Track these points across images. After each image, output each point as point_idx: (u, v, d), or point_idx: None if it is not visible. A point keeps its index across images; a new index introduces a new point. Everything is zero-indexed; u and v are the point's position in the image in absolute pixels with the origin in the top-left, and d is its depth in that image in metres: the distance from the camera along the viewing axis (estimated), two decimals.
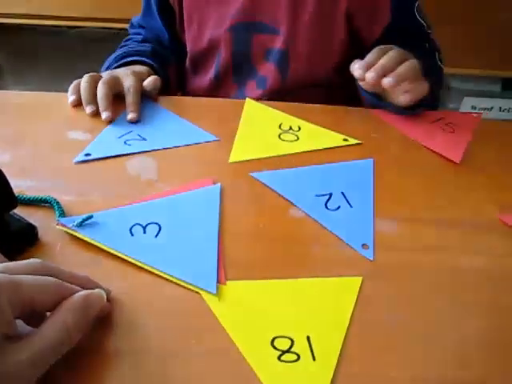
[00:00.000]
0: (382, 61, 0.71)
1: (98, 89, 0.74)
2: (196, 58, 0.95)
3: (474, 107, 2.14)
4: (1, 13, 2.03)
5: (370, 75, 0.70)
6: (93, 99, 0.74)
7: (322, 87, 0.91)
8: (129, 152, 0.67)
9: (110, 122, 0.72)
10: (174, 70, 0.96)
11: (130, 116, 0.73)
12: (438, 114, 0.79)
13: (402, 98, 0.74)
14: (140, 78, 0.78)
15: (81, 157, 0.65)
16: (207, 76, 0.95)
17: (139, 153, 0.67)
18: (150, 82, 0.78)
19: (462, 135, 0.74)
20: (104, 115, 0.72)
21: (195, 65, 0.97)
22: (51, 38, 2.49)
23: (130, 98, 0.74)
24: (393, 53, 0.72)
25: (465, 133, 0.75)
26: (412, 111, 0.77)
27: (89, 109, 0.73)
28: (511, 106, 2.16)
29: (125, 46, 0.96)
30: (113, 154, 0.66)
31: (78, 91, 0.75)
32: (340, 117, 0.77)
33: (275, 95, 0.89)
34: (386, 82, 0.69)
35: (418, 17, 0.91)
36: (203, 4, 0.89)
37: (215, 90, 0.95)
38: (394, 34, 0.87)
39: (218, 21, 0.89)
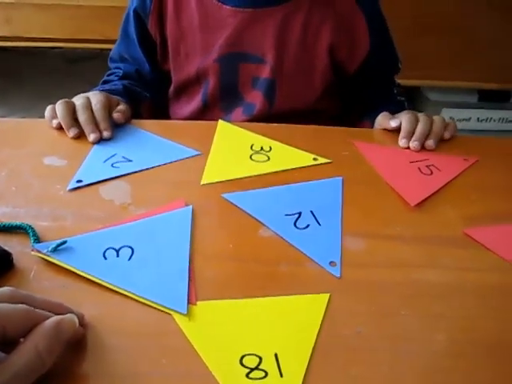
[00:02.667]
0: (420, 129, 0.80)
1: (80, 113, 0.75)
2: (182, 86, 0.97)
3: (452, 118, 2.17)
4: None
5: (414, 144, 0.79)
6: (74, 122, 0.75)
7: (308, 114, 0.94)
8: (118, 174, 0.69)
9: (94, 143, 0.74)
10: (147, 106, 0.97)
11: (105, 134, 0.75)
12: (424, 154, 0.78)
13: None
14: (107, 97, 0.80)
15: (73, 184, 0.66)
16: (193, 103, 0.97)
17: (128, 174, 0.69)
18: (119, 116, 0.79)
19: (438, 180, 0.72)
20: (92, 137, 0.74)
21: (180, 92, 0.99)
22: (33, 58, 2.51)
23: (98, 115, 0.76)
24: (423, 118, 0.82)
25: (443, 177, 0.73)
26: None
27: (72, 131, 0.75)
28: (488, 116, 2.20)
29: (107, 81, 0.98)
30: (103, 178, 0.68)
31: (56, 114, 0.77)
32: (310, 136, 0.79)
33: (261, 122, 0.91)
34: (431, 144, 0.79)
35: (394, 48, 0.98)
36: (189, 34, 0.91)
37: (201, 117, 0.97)
38: (373, 62, 0.92)
39: (205, 50, 0.91)
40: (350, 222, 0.63)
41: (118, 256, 0.56)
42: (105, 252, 0.56)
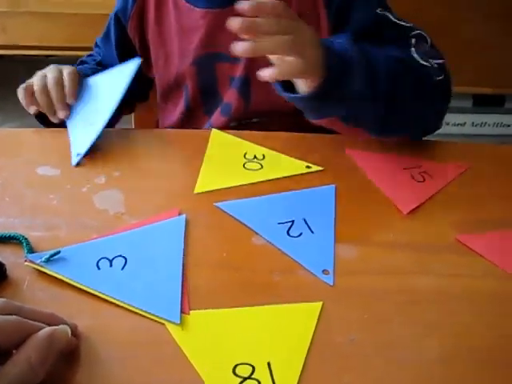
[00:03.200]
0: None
1: (53, 90, 0.79)
2: (165, 93, 0.97)
3: (447, 123, 2.18)
4: None
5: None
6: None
7: (287, 113, 0.93)
8: (103, 123, 0.76)
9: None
10: None
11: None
12: (417, 161, 0.77)
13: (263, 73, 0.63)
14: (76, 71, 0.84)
15: (74, 159, 0.72)
16: (178, 109, 0.97)
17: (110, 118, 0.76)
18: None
19: (431, 187, 0.72)
20: (62, 114, 0.79)
21: (166, 99, 0.99)
22: (29, 65, 2.50)
23: (69, 86, 0.80)
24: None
25: (435, 184, 0.72)
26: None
27: (32, 110, 0.81)
28: (483, 121, 2.21)
29: (84, 61, 1.00)
30: (94, 139, 0.74)
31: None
32: (303, 144, 0.79)
33: (240, 122, 0.91)
34: (234, 23, 0.59)
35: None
36: (168, 39, 0.91)
37: (187, 122, 0.97)
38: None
39: (182, 55, 0.91)
40: (342, 229, 0.63)
41: (111, 266, 0.56)
42: (98, 262, 0.56)
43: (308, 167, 0.74)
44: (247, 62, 0.88)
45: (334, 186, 0.70)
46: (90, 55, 1.02)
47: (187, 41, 0.89)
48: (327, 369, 0.48)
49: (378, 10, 0.81)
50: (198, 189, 0.68)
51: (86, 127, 0.76)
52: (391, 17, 0.82)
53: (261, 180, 0.71)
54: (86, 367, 0.46)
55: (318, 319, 0.52)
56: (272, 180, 0.71)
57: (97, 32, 1.72)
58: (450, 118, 2.18)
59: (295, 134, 0.81)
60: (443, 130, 2.21)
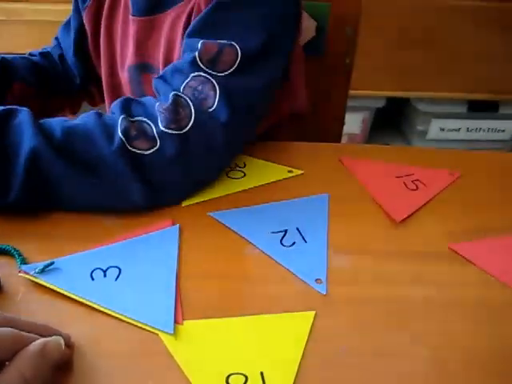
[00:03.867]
0: None
1: None
2: (108, 94, 0.96)
3: (442, 129, 2.19)
4: None
5: None
6: None
7: None
8: None
9: None
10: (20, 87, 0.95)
11: None
12: (410, 169, 0.78)
13: None
14: None
15: None
16: None
17: None
18: None
19: (424, 195, 0.73)
20: None
21: (109, 100, 0.97)
22: None
23: None
24: None
25: (428, 192, 0.73)
26: None
27: None
28: (478, 127, 2.22)
29: (32, 55, 1.00)
30: None
31: None
32: (282, 151, 0.81)
33: None
34: None
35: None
36: (114, 43, 0.90)
37: None
38: None
39: (122, 60, 0.90)
40: (335, 238, 0.64)
41: (105, 276, 0.56)
42: (92, 272, 0.56)
43: (290, 172, 0.75)
44: None
45: (327, 194, 0.70)
46: (44, 49, 1.01)
47: (126, 47, 0.88)
48: (320, 378, 0.48)
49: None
50: (185, 201, 0.69)
51: None
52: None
53: (246, 188, 0.71)
54: (79, 378, 0.46)
55: (311, 328, 0.52)
56: (260, 187, 0.72)
57: None
58: (444, 123, 2.19)
59: (272, 142, 0.82)
60: (438, 135, 2.23)
